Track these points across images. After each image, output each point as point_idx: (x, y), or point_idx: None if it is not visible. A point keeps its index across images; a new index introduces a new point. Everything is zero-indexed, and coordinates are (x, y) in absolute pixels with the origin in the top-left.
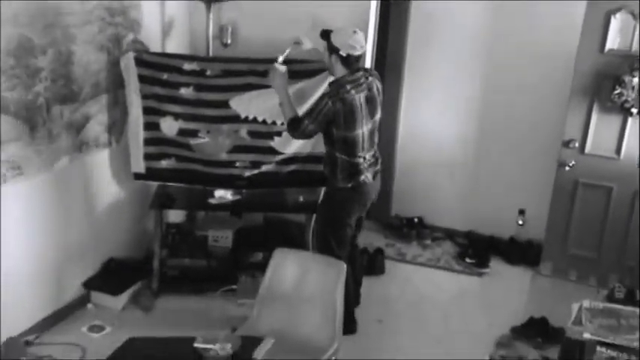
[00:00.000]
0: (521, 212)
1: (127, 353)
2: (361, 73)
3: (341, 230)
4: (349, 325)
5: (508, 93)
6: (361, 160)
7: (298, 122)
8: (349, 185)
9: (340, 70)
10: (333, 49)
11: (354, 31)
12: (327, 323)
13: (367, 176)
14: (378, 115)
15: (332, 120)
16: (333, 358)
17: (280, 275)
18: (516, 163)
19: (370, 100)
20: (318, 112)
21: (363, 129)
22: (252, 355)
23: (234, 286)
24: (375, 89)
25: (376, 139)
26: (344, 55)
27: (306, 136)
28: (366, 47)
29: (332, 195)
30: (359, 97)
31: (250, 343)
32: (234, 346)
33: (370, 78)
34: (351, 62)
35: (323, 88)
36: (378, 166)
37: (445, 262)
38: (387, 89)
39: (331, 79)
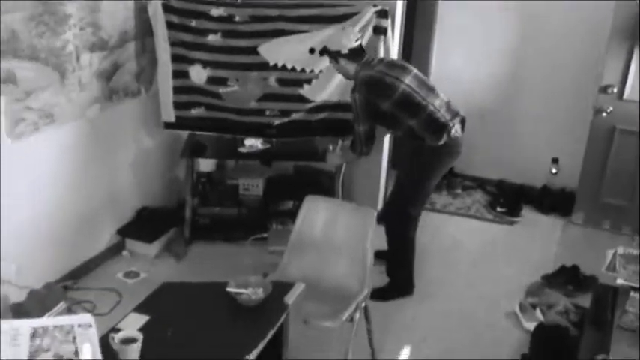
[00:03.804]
0: (555, 161)
1: (161, 297)
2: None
3: (425, 189)
4: (408, 287)
5: (543, 38)
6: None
7: (354, 141)
8: (441, 143)
9: (353, 67)
10: (336, 56)
11: (342, 28)
12: (356, 270)
13: (457, 129)
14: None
15: (374, 106)
16: (363, 304)
17: (311, 222)
18: (550, 110)
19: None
20: (356, 112)
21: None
22: (283, 299)
23: (264, 234)
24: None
25: (439, 94)
26: (346, 52)
27: (369, 139)
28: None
29: (422, 154)
30: (381, 69)
31: (281, 288)
32: (266, 291)
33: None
34: (357, 53)
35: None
36: (461, 115)
37: (476, 210)
38: (417, 37)
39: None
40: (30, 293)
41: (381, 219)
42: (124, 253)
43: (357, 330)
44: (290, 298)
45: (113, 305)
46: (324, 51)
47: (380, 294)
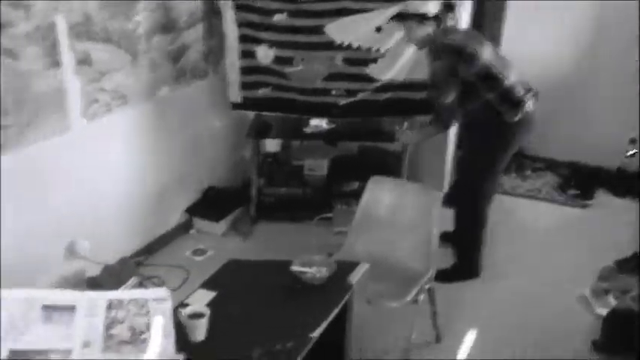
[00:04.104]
0: (632, 141)
1: (228, 274)
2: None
3: (499, 166)
4: (475, 270)
5: (620, 13)
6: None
7: (435, 115)
8: (516, 119)
9: (428, 35)
10: (412, 21)
11: None
12: (421, 251)
13: (530, 104)
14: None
15: (456, 75)
16: (428, 286)
17: (375, 202)
18: (627, 89)
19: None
20: (437, 81)
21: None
22: (347, 279)
23: (329, 215)
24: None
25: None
26: (423, 18)
27: (451, 111)
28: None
29: (496, 130)
30: (461, 38)
31: (345, 267)
32: (330, 270)
33: None
34: (435, 20)
35: None
36: (534, 89)
37: (546, 193)
38: (488, 8)
39: None
40: (104, 268)
41: (450, 201)
42: (192, 231)
43: (421, 312)
44: (354, 278)
45: (181, 282)
46: (399, 16)
47: (445, 276)
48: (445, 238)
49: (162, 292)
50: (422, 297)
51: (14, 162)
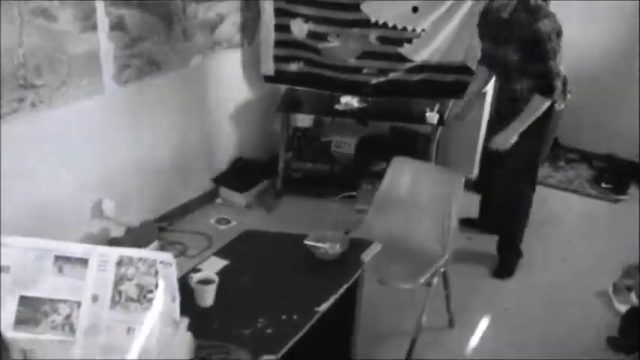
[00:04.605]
0: None
1: (243, 243)
2: None
3: (540, 159)
4: (510, 266)
5: None
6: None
7: (548, 83)
8: (562, 106)
9: None
10: None
11: None
12: (439, 233)
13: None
14: None
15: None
16: (442, 269)
17: (397, 183)
18: None
19: None
20: (544, 44)
21: None
22: (359, 256)
23: (353, 193)
24: None
25: None
26: None
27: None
28: None
29: (544, 122)
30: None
31: (359, 245)
32: (343, 247)
33: None
34: None
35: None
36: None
37: (578, 185)
38: None
39: None
40: (127, 230)
41: (481, 187)
42: (218, 200)
43: (434, 295)
44: (367, 256)
45: (203, 249)
46: None
47: (501, 271)
48: (466, 223)
49: (168, 256)
50: (435, 280)
51: (46, 121)
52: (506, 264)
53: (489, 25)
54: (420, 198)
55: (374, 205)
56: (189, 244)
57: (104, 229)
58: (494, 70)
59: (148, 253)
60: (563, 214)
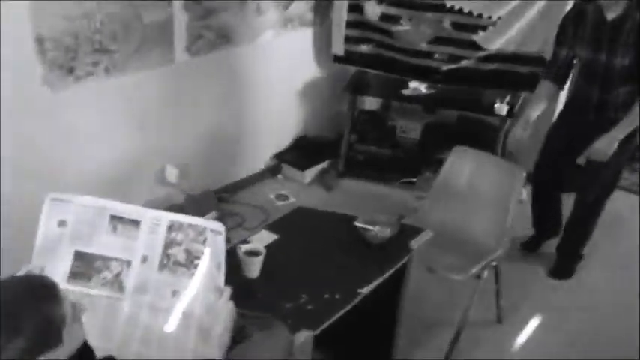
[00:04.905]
0: None
1: (294, 219)
2: None
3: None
4: (570, 267)
5: None
6: None
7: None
8: None
9: None
10: None
11: None
12: (495, 226)
13: None
14: None
15: None
16: (494, 263)
17: (457, 172)
18: None
19: None
20: None
21: None
22: (408, 242)
23: (414, 179)
24: None
25: None
26: None
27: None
28: None
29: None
30: None
31: (410, 231)
32: (393, 231)
33: None
34: None
35: None
36: None
37: None
38: None
39: None
40: (187, 197)
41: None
42: (279, 177)
43: (485, 290)
44: (416, 243)
45: (259, 222)
46: None
47: (561, 272)
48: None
49: (218, 224)
50: (486, 273)
51: (117, 87)
52: (566, 265)
53: (586, 28)
54: (479, 189)
55: (431, 193)
56: (247, 217)
57: (166, 197)
58: (589, 79)
59: (199, 220)
60: (631, 217)
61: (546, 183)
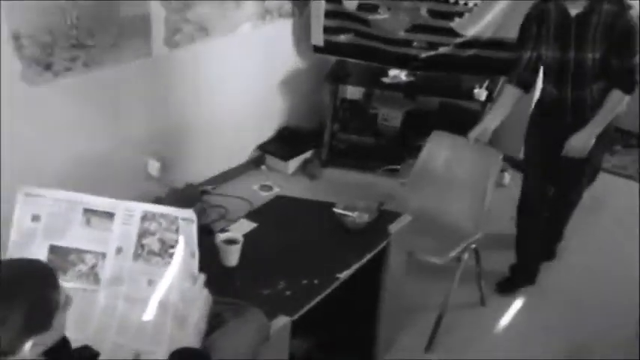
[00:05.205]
0: None
1: (274, 207)
2: None
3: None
4: (551, 249)
5: None
6: None
7: (633, 76)
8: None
9: None
10: None
11: None
12: (473, 210)
13: None
14: None
15: None
16: (473, 245)
17: (434, 157)
18: None
19: None
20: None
21: None
22: (387, 227)
23: (397, 167)
24: None
25: None
26: None
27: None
28: None
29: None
30: None
31: (388, 216)
32: (371, 217)
33: None
34: None
35: None
36: None
37: (634, 171)
38: None
39: None
40: (170, 190)
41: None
42: (263, 167)
43: (467, 273)
44: (394, 228)
45: (243, 213)
46: None
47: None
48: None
49: (189, 212)
50: (466, 256)
51: (96, 81)
52: (548, 247)
53: (550, 27)
54: (456, 174)
55: (410, 178)
56: (231, 209)
57: (149, 190)
58: (559, 79)
59: (170, 209)
60: (613, 199)
61: (534, 217)
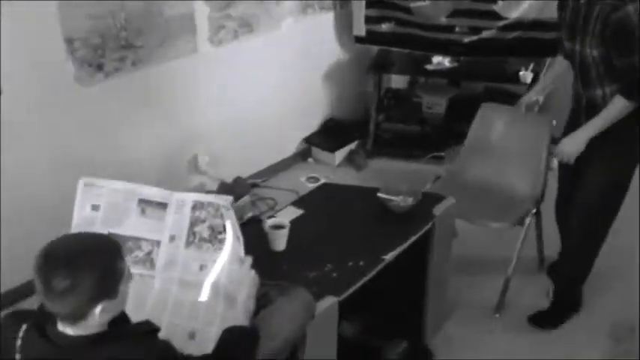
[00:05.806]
0: None
1: (319, 195)
2: None
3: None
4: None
5: None
6: None
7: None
8: None
9: None
10: None
11: None
12: (530, 175)
13: None
14: None
15: None
16: (534, 210)
17: (486, 129)
18: None
19: None
20: (630, 34)
21: None
22: (431, 210)
23: (442, 154)
24: None
25: None
26: None
27: None
28: None
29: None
30: None
31: (432, 199)
32: (415, 200)
33: None
34: None
35: None
36: None
37: None
38: None
39: None
40: (220, 184)
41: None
42: (310, 160)
43: (526, 236)
44: (438, 210)
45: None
46: None
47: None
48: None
49: (225, 199)
50: (528, 220)
51: (144, 80)
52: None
53: (566, 12)
54: (510, 140)
55: (463, 150)
56: (279, 200)
57: (199, 184)
58: (575, 73)
59: (213, 197)
60: None
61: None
